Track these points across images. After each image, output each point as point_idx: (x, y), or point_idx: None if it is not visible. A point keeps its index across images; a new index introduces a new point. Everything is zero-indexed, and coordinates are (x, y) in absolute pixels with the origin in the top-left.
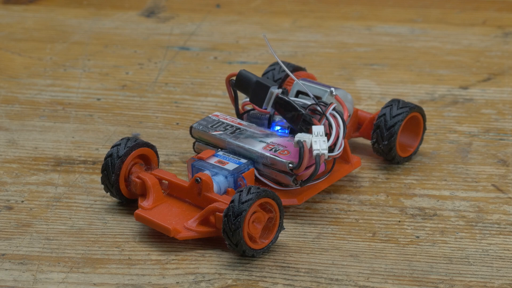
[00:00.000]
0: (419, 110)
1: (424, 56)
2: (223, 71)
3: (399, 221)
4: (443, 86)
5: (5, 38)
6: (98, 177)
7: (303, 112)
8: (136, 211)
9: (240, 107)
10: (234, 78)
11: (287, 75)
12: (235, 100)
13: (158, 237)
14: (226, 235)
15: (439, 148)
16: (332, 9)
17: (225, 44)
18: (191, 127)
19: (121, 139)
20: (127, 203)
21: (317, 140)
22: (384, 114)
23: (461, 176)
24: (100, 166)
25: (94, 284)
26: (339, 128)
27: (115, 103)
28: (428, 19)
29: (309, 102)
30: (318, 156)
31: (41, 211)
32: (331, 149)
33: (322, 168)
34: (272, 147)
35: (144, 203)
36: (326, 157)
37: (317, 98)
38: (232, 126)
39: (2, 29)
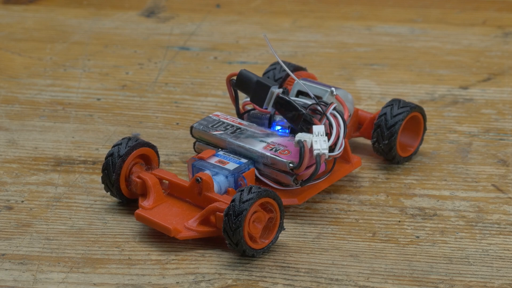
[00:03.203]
0: (420, 110)
1: (424, 56)
2: (223, 71)
3: (399, 221)
4: (443, 86)
5: (5, 38)
6: (98, 177)
7: (304, 112)
8: (137, 211)
9: (240, 106)
10: (234, 77)
11: (288, 75)
12: (235, 99)
13: (158, 237)
14: (227, 234)
15: (439, 148)
16: (332, 9)
17: (225, 44)
18: (191, 127)
19: (122, 139)
20: (127, 203)
21: (317, 140)
22: (385, 114)
23: (461, 176)
24: (100, 166)
25: (94, 284)
26: (340, 128)
27: (115, 103)
28: (428, 19)
29: (309, 102)
30: (319, 155)
31: (41, 211)
32: (331, 148)
33: (322, 167)
34: (273, 146)
35: (144, 203)
36: (327, 156)
37: (318, 98)
38: (232, 126)
39: (2, 29)
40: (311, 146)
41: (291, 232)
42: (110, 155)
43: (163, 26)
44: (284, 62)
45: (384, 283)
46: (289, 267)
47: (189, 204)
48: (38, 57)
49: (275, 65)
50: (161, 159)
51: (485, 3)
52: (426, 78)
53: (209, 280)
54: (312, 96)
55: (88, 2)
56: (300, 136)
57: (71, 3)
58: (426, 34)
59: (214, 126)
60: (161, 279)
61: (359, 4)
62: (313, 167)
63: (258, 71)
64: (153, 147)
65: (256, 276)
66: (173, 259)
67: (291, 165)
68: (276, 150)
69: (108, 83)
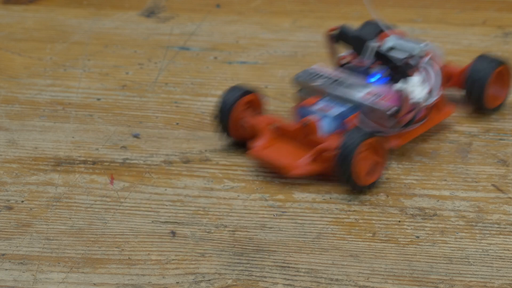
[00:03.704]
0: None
1: None
2: (223, 71)
3: (399, 221)
4: None
5: (5, 38)
6: (98, 177)
7: (401, 63)
8: (251, 150)
9: (337, 60)
10: (334, 32)
11: (382, 31)
12: (333, 53)
13: (158, 237)
14: (341, 153)
15: (439, 148)
16: (332, 9)
17: (225, 44)
18: (294, 77)
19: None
20: (228, 142)
21: (415, 88)
22: (478, 60)
23: (461, 176)
24: (100, 166)
25: (94, 284)
26: (434, 77)
27: (115, 103)
28: (428, 19)
29: (403, 56)
30: (417, 102)
31: (41, 211)
32: (427, 97)
33: (420, 114)
34: (372, 94)
35: (257, 143)
36: (424, 104)
37: (411, 51)
38: (332, 77)
39: (2, 29)
40: (409, 93)
41: (291, 232)
42: (225, 95)
43: (163, 26)
44: (376, 21)
45: (384, 283)
46: (289, 267)
47: (297, 146)
48: (38, 57)
49: (369, 22)
50: (161, 159)
51: (485, 3)
52: None
53: (209, 280)
54: (406, 49)
55: (88, 2)
56: (399, 85)
57: (71, 3)
58: (426, 34)
59: (315, 77)
60: (161, 279)
61: (359, 4)
62: (412, 113)
63: (258, 71)
64: (260, 95)
65: (256, 276)
66: (173, 259)
67: (391, 110)
68: (375, 98)
69: (108, 83)
